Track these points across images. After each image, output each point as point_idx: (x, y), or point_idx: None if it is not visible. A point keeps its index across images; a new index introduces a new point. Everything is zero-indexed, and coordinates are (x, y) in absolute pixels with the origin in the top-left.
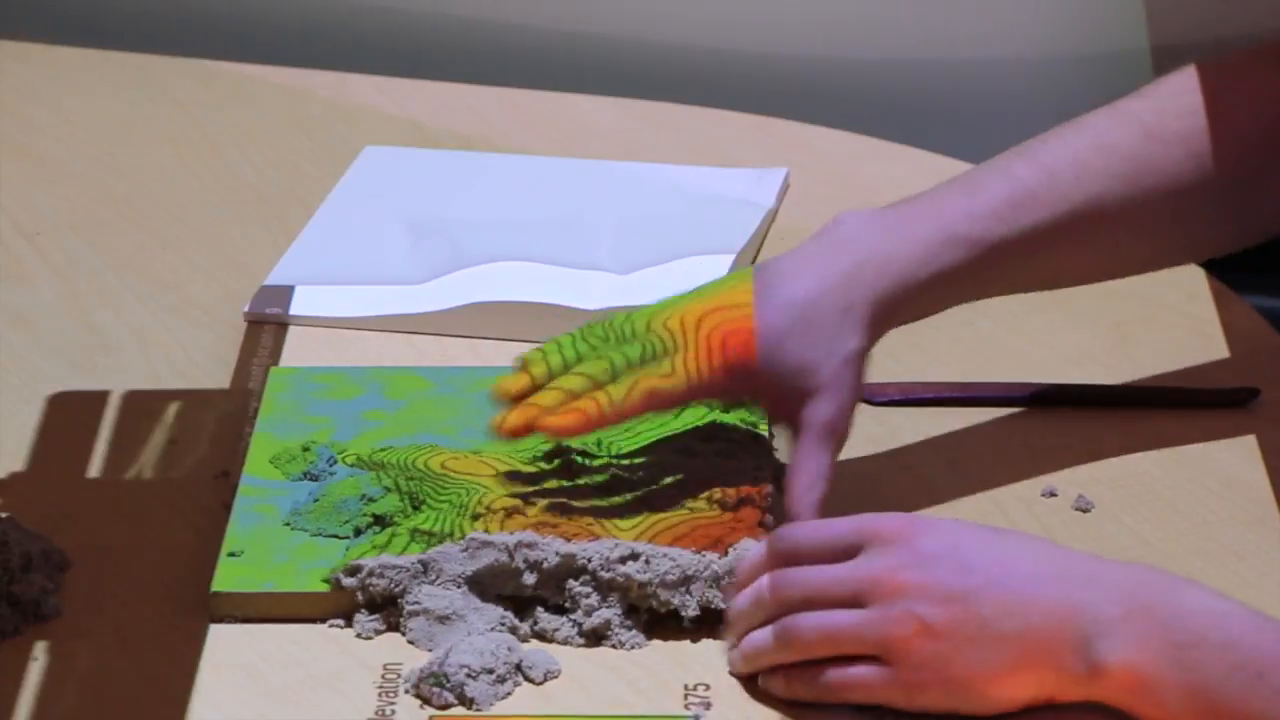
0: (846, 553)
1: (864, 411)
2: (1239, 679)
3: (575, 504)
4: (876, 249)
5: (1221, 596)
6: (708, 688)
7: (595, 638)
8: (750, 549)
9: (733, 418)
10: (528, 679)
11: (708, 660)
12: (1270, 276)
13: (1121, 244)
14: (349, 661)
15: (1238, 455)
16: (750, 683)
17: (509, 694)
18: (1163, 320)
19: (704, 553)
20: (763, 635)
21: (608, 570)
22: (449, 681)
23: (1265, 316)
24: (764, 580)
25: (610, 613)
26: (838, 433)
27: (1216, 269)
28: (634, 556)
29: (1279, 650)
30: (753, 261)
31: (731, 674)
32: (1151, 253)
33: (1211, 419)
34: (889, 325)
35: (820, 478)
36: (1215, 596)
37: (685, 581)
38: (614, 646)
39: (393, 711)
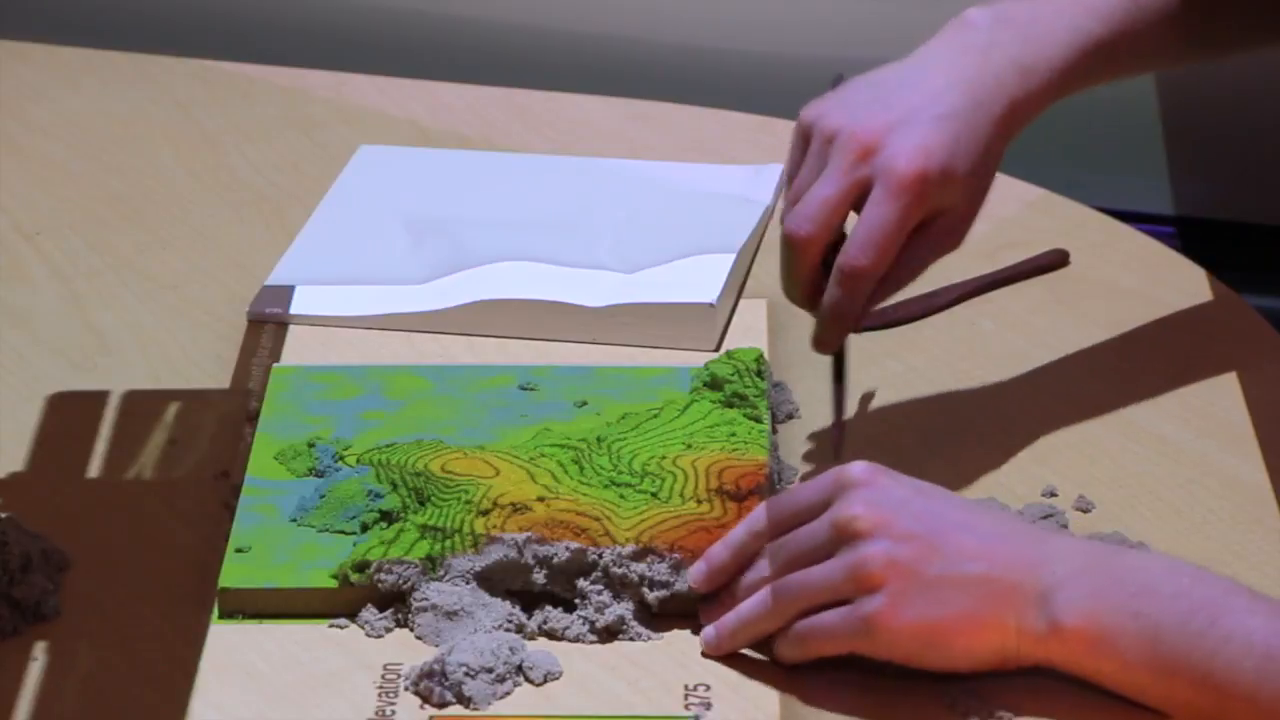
0: (824, 508)
1: (863, 412)
2: (1191, 626)
3: (581, 501)
4: (1015, 57)
5: (1163, 554)
6: (708, 688)
7: (609, 634)
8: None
9: (736, 414)
10: (528, 679)
11: (708, 660)
12: (1270, 276)
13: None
14: (349, 661)
15: (1238, 455)
16: (750, 683)
17: (508, 694)
18: (1163, 320)
19: None
20: (748, 606)
21: (619, 566)
22: (448, 680)
23: (1265, 316)
24: (761, 560)
25: (623, 609)
26: (945, 249)
27: (1216, 269)
28: (645, 553)
29: (1226, 599)
30: (751, 260)
31: (709, 656)
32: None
33: (1211, 419)
34: (1022, 127)
35: (908, 278)
36: (1162, 554)
37: None
38: (631, 639)
39: (393, 711)
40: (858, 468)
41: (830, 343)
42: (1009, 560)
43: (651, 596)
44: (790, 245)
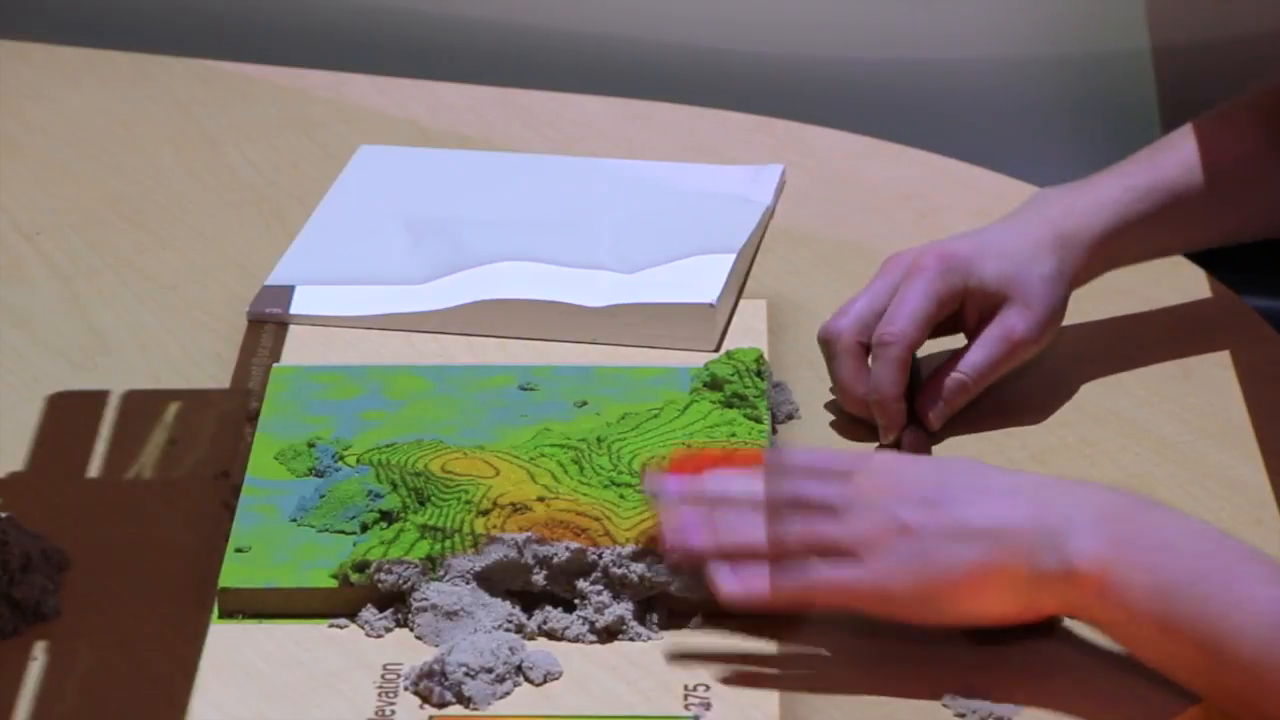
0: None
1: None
2: (1202, 587)
3: (581, 501)
4: (1065, 200)
5: (1193, 516)
6: (708, 688)
7: (609, 634)
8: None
9: (736, 414)
10: (528, 679)
11: (708, 660)
12: (1270, 276)
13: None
14: (349, 661)
15: (1238, 455)
16: (750, 683)
17: (508, 694)
18: (1163, 320)
19: None
20: (745, 534)
21: (619, 567)
22: (447, 680)
23: (1265, 316)
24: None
25: (623, 609)
26: (1014, 339)
27: (1216, 269)
28: (645, 553)
29: (1245, 565)
30: (751, 260)
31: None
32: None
33: (1211, 419)
34: (1080, 267)
35: (974, 368)
36: (1187, 515)
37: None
38: (631, 639)
39: (392, 711)
40: (881, 455)
41: (890, 427)
42: (1023, 511)
43: (654, 623)
44: (821, 344)
